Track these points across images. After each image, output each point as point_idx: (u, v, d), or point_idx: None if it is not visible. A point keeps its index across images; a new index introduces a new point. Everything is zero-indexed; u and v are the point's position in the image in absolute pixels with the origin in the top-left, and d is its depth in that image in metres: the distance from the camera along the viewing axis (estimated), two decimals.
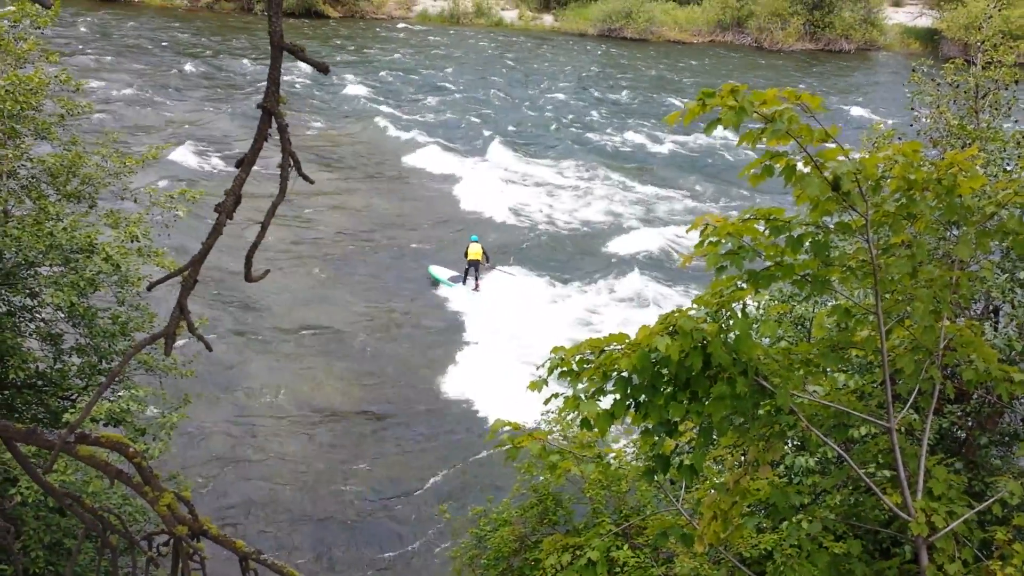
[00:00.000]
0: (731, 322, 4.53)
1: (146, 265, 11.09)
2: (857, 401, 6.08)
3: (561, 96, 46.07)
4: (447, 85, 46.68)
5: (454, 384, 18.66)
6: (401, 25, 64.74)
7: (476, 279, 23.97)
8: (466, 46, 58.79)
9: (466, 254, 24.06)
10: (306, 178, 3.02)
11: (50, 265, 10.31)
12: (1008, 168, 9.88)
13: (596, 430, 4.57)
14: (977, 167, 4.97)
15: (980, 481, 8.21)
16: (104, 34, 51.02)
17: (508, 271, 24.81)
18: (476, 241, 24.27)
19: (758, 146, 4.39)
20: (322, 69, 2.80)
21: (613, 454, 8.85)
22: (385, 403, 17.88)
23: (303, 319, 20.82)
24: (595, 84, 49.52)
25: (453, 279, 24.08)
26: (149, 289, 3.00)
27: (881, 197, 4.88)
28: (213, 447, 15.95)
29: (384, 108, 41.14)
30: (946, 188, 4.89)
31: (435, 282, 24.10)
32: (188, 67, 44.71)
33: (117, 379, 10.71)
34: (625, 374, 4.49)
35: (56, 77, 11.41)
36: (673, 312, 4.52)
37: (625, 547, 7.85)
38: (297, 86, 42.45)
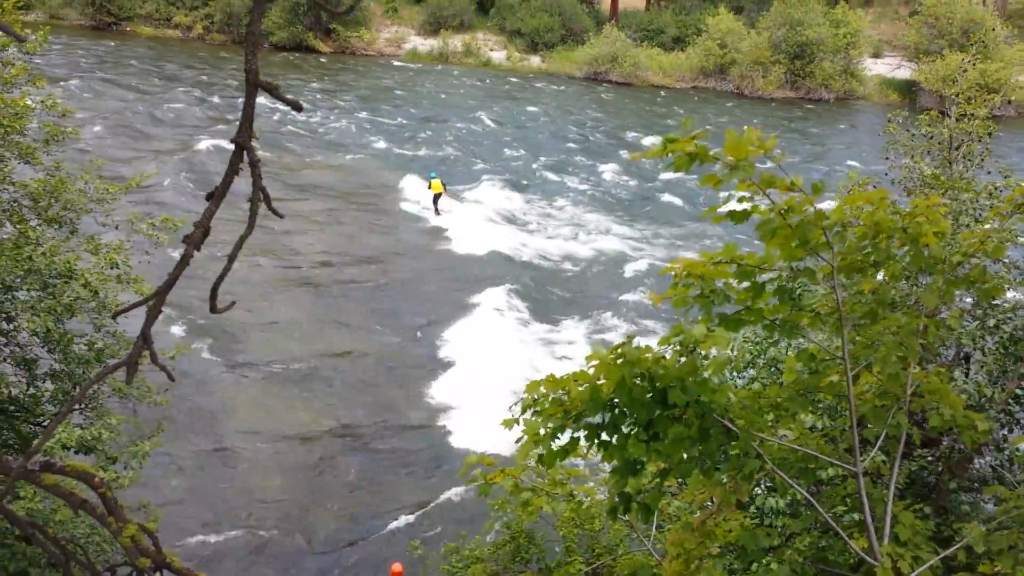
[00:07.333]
0: (683, 360, 4.59)
1: (124, 292, 11.07)
2: (826, 445, 6.12)
3: (548, 135, 46.48)
4: (436, 122, 47.00)
5: (431, 418, 18.59)
6: (395, 63, 65.31)
7: (438, 208, 30.63)
8: (455, 84, 59.33)
9: (429, 187, 30.73)
10: (276, 212, 3.08)
11: (28, 290, 10.27)
12: (979, 219, 10.06)
13: (546, 467, 4.59)
14: (942, 215, 5.06)
15: (948, 527, 8.26)
16: (96, 62, 51.20)
17: (459, 199, 32.04)
18: (435, 177, 31.00)
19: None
20: (296, 107, 2.86)
21: (585, 492, 8.85)
22: (360, 436, 17.78)
23: (281, 350, 20.73)
24: (582, 125, 50.01)
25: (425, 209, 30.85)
26: (114, 317, 3.05)
27: (848, 245, 4.97)
28: (185, 477, 15.78)
29: (372, 142, 41.34)
30: (911, 237, 4.98)
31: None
32: (176, 97, 44.88)
33: (89, 406, 10.64)
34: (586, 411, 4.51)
35: (42, 102, 11.47)
36: (624, 343, 4.57)
37: None
38: (285, 119, 42.63)
